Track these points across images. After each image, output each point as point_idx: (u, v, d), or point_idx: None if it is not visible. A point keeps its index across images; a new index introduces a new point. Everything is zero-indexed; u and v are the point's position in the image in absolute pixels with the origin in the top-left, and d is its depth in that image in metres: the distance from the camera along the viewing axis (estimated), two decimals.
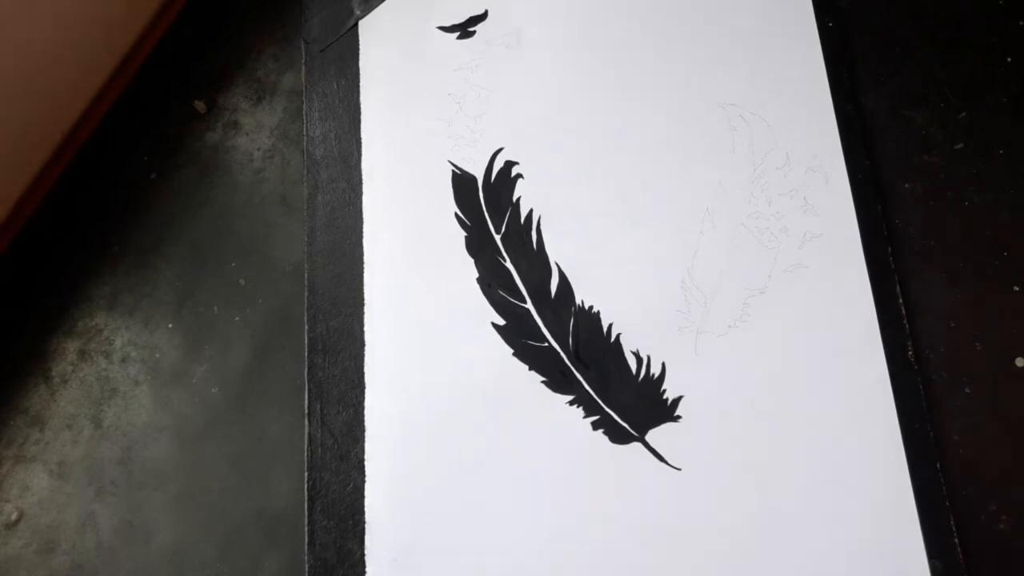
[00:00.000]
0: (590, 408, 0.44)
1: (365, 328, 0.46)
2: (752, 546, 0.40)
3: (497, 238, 0.47)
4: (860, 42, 0.47)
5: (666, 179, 0.47)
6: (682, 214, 0.46)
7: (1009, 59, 0.47)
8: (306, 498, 0.44)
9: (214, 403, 0.47)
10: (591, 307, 0.45)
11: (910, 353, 0.43)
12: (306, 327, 0.47)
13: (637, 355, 0.44)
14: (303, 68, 0.53)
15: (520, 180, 0.48)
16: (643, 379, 0.44)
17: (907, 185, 0.46)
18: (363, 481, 0.44)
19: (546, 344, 0.45)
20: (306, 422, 0.45)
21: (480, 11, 0.52)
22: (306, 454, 0.44)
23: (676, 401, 0.43)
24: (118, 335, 0.50)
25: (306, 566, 0.43)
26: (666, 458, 0.42)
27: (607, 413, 0.43)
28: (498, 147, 0.49)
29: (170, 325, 0.49)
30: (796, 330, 0.43)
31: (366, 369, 0.45)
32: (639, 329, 0.45)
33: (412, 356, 0.45)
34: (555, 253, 0.47)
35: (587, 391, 0.44)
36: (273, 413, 0.47)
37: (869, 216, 0.45)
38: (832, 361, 0.43)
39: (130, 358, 0.49)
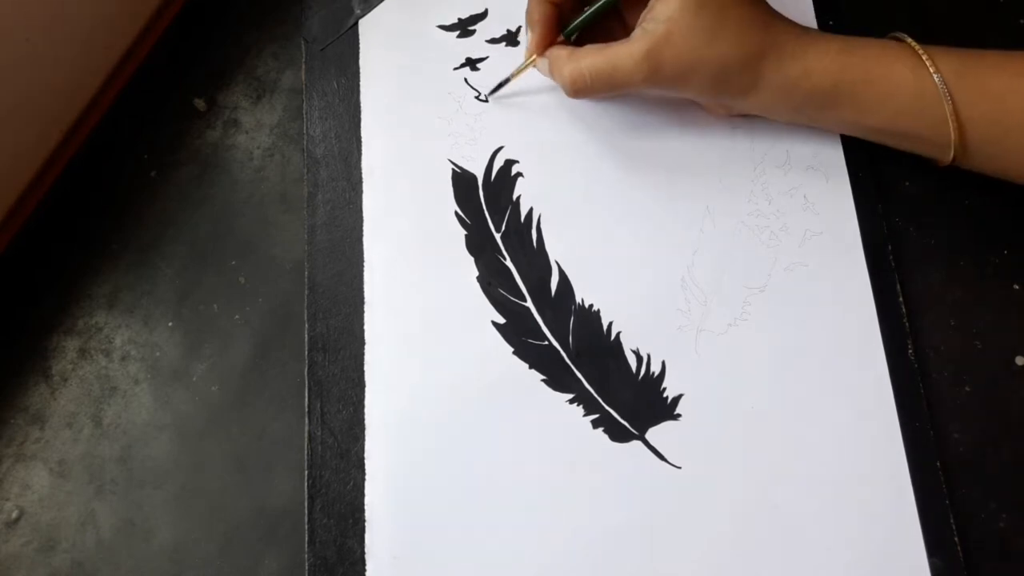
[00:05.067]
0: (590, 406, 0.44)
1: (365, 326, 0.46)
2: (751, 544, 0.40)
3: (497, 236, 0.47)
4: None
5: (666, 177, 0.47)
6: (682, 212, 0.46)
7: None
8: (306, 496, 0.44)
9: (214, 401, 0.47)
10: (591, 305, 0.45)
11: (910, 351, 0.43)
12: (306, 325, 0.47)
13: (637, 353, 0.44)
14: (303, 66, 0.53)
15: (520, 179, 0.48)
16: (643, 377, 0.44)
17: (907, 183, 0.46)
18: (363, 479, 0.44)
19: (546, 342, 0.45)
20: (306, 420, 0.45)
21: (480, 10, 0.52)
22: (306, 452, 0.44)
23: (676, 399, 0.43)
24: (118, 333, 0.50)
25: (306, 564, 0.43)
26: (666, 456, 0.42)
27: (607, 411, 0.43)
28: (498, 145, 0.49)
29: (170, 323, 0.49)
30: (796, 328, 0.43)
31: (366, 367, 0.45)
32: (639, 327, 0.45)
33: (412, 354, 0.45)
34: (555, 251, 0.47)
35: (587, 389, 0.44)
36: (273, 411, 0.47)
37: (869, 214, 0.45)
38: (832, 359, 0.43)
39: (130, 356, 0.49)
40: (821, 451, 0.41)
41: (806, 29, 0.42)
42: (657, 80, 0.41)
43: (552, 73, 0.45)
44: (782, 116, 0.45)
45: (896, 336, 0.43)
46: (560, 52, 0.44)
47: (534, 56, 0.46)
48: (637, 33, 0.42)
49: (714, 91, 0.42)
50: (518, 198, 0.48)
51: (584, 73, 0.42)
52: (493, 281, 0.46)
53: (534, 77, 0.49)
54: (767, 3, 0.42)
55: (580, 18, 0.45)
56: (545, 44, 0.46)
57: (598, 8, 0.45)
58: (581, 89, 0.43)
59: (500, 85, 0.49)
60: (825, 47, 0.41)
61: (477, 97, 0.50)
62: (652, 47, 0.40)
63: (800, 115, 0.44)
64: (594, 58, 0.42)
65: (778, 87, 0.41)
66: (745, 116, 0.46)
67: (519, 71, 0.48)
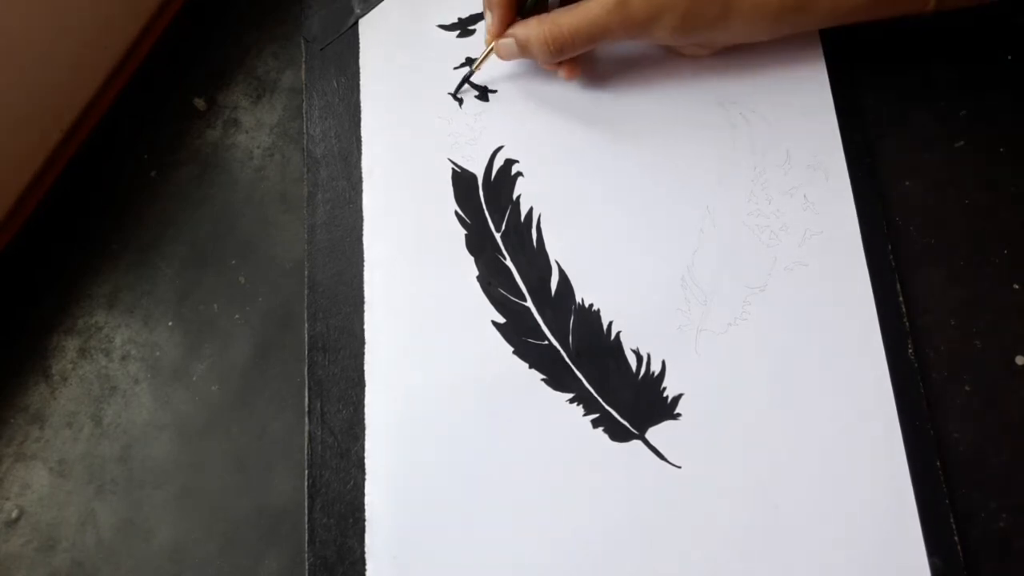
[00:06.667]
0: (590, 406, 0.44)
1: (365, 326, 0.46)
2: (751, 544, 0.40)
3: (497, 236, 0.47)
4: (860, 39, 0.47)
5: (666, 177, 0.47)
6: (682, 212, 0.46)
7: (1009, 57, 0.47)
8: (306, 496, 0.44)
9: (214, 401, 0.47)
10: (591, 305, 0.45)
11: (910, 351, 0.43)
12: (306, 325, 0.47)
13: (637, 353, 0.44)
14: (303, 66, 0.53)
15: (520, 178, 0.48)
16: (643, 377, 0.44)
17: (907, 183, 0.46)
18: (363, 479, 0.44)
19: (546, 342, 0.45)
20: (306, 420, 0.45)
21: (480, 9, 0.52)
22: (306, 452, 0.44)
23: (676, 399, 0.43)
24: (118, 333, 0.50)
25: (306, 564, 0.43)
26: (666, 456, 0.42)
27: (607, 411, 0.43)
28: (498, 145, 0.49)
29: (170, 323, 0.49)
30: (796, 328, 0.43)
31: (366, 367, 0.45)
32: (639, 327, 0.45)
33: (412, 354, 0.45)
34: (555, 251, 0.47)
35: (587, 389, 0.44)
36: (273, 411, 0.47)
37: (869, 214, 0.45)
38: (832, 359, 0.43)
39: (130, 356, 0.49)
40: (821, 451, 0.41)
41: None
42: (631, 24, 0.43)
43: (527, 43, 0.45)
44: (763, 33, 0.45)
45: (896, 336, 0.43)
46: (528, 22, 0.45)
47: (495, 40, 0.47)
48: None
49: (688, 27, 0.43)
50: (518, 198, 0.48)
51: (563, 30, 0.44)
52: (493, 281, 0.46)
53: (534, 75, 0.49)
54: None
55: None
56: (506, 25, 0.47)
57: None
58: (561, 46, 0.44)
59: (464, 80, 0.50)
60: None
61: (452, 95, 0.50)
62: None
63: (781, 23, 0.44)
64: (568, 16, 0.44)
65: (749, 6, 0.42)
66: (729, 58, 0.47)
67: (481, 60, 0.48)
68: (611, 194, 0.47)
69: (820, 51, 0.48)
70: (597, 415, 0.43)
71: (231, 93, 0.54)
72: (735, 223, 0.46)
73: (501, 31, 0.47)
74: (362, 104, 0.51)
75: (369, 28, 0.53)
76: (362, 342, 0.46)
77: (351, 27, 0.53)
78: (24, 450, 0.48)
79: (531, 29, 0.45)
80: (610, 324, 0.45)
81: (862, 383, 0.42)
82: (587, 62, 0.49)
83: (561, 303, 0.46)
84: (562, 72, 0.48)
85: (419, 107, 0.50)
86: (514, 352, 0.45)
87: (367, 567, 0.42)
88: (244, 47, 0.55)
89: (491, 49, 0.47)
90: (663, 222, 0.46)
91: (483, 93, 0.50)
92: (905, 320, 0.43)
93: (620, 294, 0.45)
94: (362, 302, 0.47)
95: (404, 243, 0.48)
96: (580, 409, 0.44)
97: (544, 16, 0.45)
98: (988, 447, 0.41)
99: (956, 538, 0.39)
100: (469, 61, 0.51)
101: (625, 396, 0.43)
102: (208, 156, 0.53)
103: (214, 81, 0.54)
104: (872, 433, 0.41)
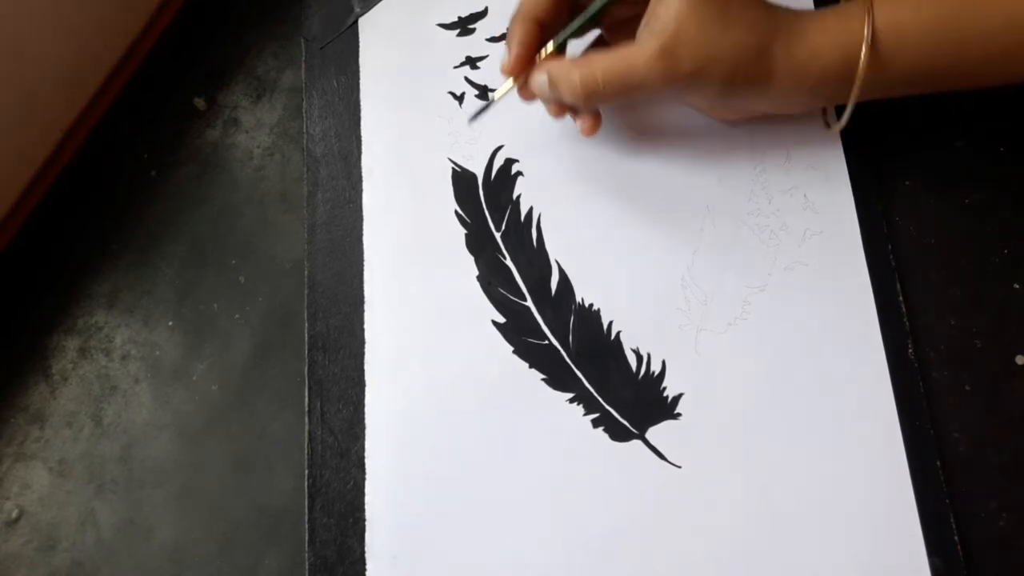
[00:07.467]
0: (590, 406, 0.44)
1: (365, 326, 0.46)
2: (751, 543, 0.40)
3: (497, 236, 0.47)
4: None
5: (666, 176, 0.47)
6: (682, 212, 0.46)
7: None
8: (306, 496, 0.44)
9: (214, 401, 0.47)
10: (591, 304, 0.45)
11: (910, 351, 0.43)
12: (306, 325, 0.47)
13: (637, 353, 0.44)
14: (303, 65, 0.53)
15: (520, 177, 0.48)
16: (643, 377, 0.44)
17: (907, 182, 0.46)
18: (363, 479, 0.44)
19: (546, 342, 0.45)
20: (306, 420, 0.45)
21: (480, 8, 0.52)
22: (306, 452, 0.44)
23: (676, 399, 0.43)
24: (118, 333, 0.50)
25: (306, 564, 0.43)
26: (666, 455, 0.42)
27: (607, 411, 0.43)
28: (498, 144, 0.49)
29: (170, 323, 0.49)
30: (796, 327, 0.43)
31: (366, 367, 0.45)
32: (639, 327, 0.45)
33: (412, 354, 0.45)
34: (555, 250, 0.47)
35: (587, 389, 0.44)
36: (273, 411, 0.47)
37: (869, 213, 0.45)
38: (832, 358, 0.43)
39: (130, 356, 0.49)
40: (821, 451, 0.41)
41: (800, 11, 0.41)
42: (674, 77, 0.39)
43: (556, 83, 0.42)
44: (798, 105, 0.43)
45: (896, 336, 0.43)
46: (562, 61, 0.42)
47: (512, 78, 0.44)
48: (644, 36, 0.40)
49: (729, 86, 0.40)
50: (518, 197, 0.48)
51: (596, 75, 0.40)
52: (493, 280, 0.46)
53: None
54: None
55: (571, 25, 0.43)
56: (523, 65, 0.43)
57: (593, 11, 0.42)
58: (593, 93, 0.41)
59: (483, 110, 0.46)
60: (822, 21, 0.40)
61: (471, 119, 0.48)
62: (666, 44, 0.39)
63: (816, 98, 0.42)
64: (605, 61, 0.40)
65: (791, 72, 0.40)
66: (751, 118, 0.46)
67: (502, 93, 0.45)
68: (611, 194, 0.47)
69: None
70: (597, 415, 0.43)
71: (231, 93, 0.54)
72: (735, 223, 0.46)
73: (518, 70, 0.43)
74: (362, 103, 0.51)
75: (369, 27, 0.53)
76: (362, 342, 0.46)
77: (351, 26, 0.53)
78: (24, 450, 0.48)
79: (566, 68, 0.41)
80: (610, 324, 0.45)
81: (862, 383, 0.42)
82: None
83: (561, 303, 0.46)
84: (580, 124, 0.44)
85: (419, 106, 0.50)
86: (514, 352, 0.45)
87: (367, 567, 0.42)
88: (244, 47, 0.55)
89: (511, 87, 0.44)
90: (663, 222, 0.46)
91: (483, 93, 0.50)
92: (905, 320, 0.43)
93: (620, 293, 0.45)
94: (362, 302, 0.47)
95: (404, 242, 0.48)
96: (580, 409, 0.44)
97: (582, 58, 0.41)
98: (988, 447, 0.41)
99: (956, 538, 0.39)
100: (469, 60, 0.51)
101: (625, 396, 0.43)
102: (208, 156, 0.53)
103: (214, 81, 0.54)
104: (872, 433, 0.41)
